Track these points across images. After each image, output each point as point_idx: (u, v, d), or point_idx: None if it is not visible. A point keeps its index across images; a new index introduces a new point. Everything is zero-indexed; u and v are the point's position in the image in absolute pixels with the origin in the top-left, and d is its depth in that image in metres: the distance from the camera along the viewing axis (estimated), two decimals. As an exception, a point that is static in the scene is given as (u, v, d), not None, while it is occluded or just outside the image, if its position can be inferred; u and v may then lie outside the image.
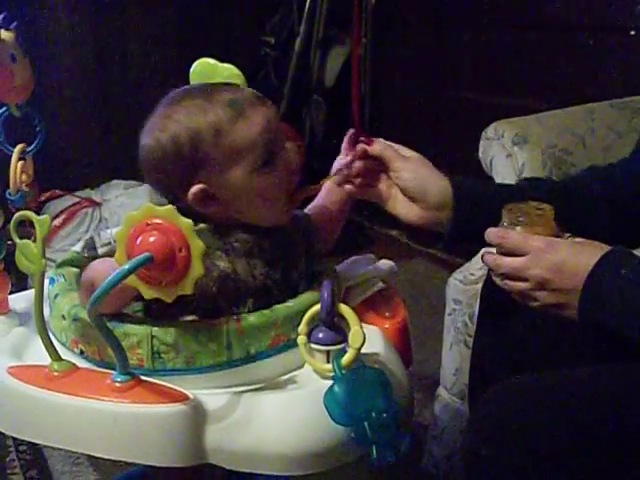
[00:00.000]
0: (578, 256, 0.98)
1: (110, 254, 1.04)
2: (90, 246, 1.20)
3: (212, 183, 1.02)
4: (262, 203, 1.04)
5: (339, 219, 1.23)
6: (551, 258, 0.98)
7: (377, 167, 1.19)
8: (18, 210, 1.02)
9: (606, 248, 0.99)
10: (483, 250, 1.11)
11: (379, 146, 1.18)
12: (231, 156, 1.02)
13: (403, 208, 1.20)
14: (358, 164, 1.18)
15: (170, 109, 1.04)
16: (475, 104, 2.77)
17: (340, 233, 1.24)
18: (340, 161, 1.19)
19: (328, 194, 1.21)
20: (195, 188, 1.02)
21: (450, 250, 1.23)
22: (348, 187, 1.18)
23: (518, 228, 1.03)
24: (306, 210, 1.20)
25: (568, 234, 1.05)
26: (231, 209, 1.04)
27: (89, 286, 0.98)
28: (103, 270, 0.95)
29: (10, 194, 1.20)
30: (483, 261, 1.06)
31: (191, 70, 1.23)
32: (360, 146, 1.18)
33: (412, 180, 1.18)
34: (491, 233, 1.04)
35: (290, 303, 1.04)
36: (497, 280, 1.05)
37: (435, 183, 1.19)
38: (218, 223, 1.05)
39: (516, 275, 1.01)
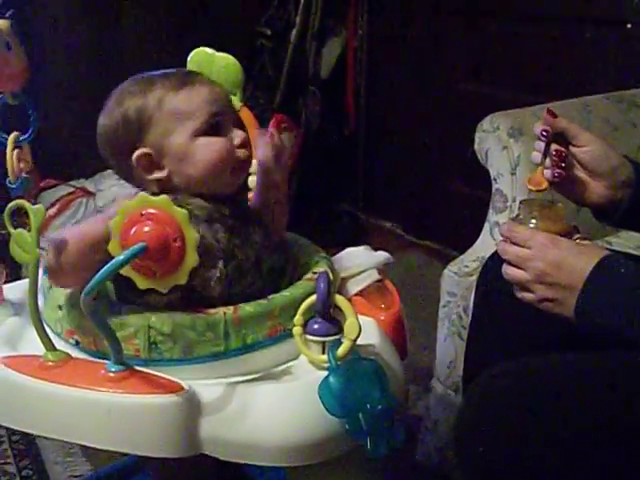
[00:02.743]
0: (579, 255, 1.01)
1: None
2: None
3: (156, 148, 1.06)
4: (203, 167, 1.06)
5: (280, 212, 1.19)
6: (553, 253, 1.01)
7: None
8: (19, 198, 1.02)
9: (608, 252, 1.01)
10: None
11: (564, 120, 1.16)
12: (172, 119, 1.06)
13: (583, 187, 1.18)
14: (556, 147, 1.15)
15: (125, 88, 1.10)
16: (471, 96, 2.77)
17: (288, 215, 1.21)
18: (536, 149, 1.17)
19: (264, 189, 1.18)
20: (139, 152, 1.05)
21: (621, 226, 1.21)
22: (558, 171, 1.15)
23: (532, 221, 1.08)
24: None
25: (578, 235, 1.08)
26: (177, 176, 1.06)
27: (57, 245, 0.98)
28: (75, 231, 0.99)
29: (10, 182, 1.20)
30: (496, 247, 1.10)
31: (188, 59, 1.23)
32: (546, 119, 1.15)
33: (601, 156, 1.16)
34: (504, 226, 1.08)
35: (286, 293, 1.04)
36: (503, 268, 1.08)
37: (619, 159, 1.17)
38: (171, 192, 1.04)
39: (518, 264, 1.04)
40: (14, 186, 1.19)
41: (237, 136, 1.08)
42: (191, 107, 1.06)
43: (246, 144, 1.09)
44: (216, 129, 1.07)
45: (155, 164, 1.06)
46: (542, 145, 1.16)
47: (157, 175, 1.06)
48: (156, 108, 1.06)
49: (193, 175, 1.06)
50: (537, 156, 1.17)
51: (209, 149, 1.06)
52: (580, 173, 1.18)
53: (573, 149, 1.17)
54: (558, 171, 1.14)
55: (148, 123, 1.06)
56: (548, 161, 1.16)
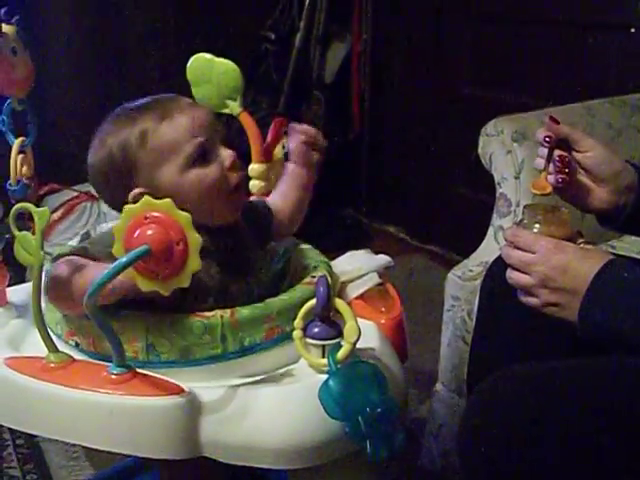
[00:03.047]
0: (583, 260, 1.01)
1: (82, 253, 1.04)
2: (85, 240, 1.21)
3: (149, 186, 1.05)
4: (198, 201, 1.05)
5: (299, 204, 1.22)
6: (557, 258, 1.01)
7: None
8: (19, 202, 1.03)
9: (612, 257, 1.01)
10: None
11: (566, 127, 1.17)
12: (158, 156, 1.05)
13: (587, 192, 1.18)
14: (559, 153, 1.16)
15: (106, 127, 1.09)
16: (475, 100, 2.77)
17: (304, 219, 1.24)
18: (539, 155, 1.18)
19: (290, 179, 1.21)
20: (133, 192, 1.04)
21: (625, 231, 1.22)
22: (562, 177, 1.15)
23: (536, 226, 1.08)
24: (269, 197, 1.23)
25: (582, 240, 1.08)
26: None
27: (54, 285, 0.99)
28: (69, 271, 0.98)
29: (10, 185, 1.21)
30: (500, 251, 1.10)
31: (188, 65, 1.24)
32: (549, 125, 1.16)
33: (604, 161, 1.16)
34: (508, 231, 1.08)
35: (284, 296, 1.04)
36: (507, 272, 1.08)
37: (622, 164, 1.17)
38: None
39: (522, 268, 1.04)
40: (15, 188, 1.20)
41: (226, 158, 1.07)
42: (174, 140, 1.05)
43: (236, 165, 1.08)
44: (204, 157, 1.06)
45: None
46: (545, 151, 1.16)
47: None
48: (139, 146, 1.05)
49: (189, 209, 1.04)
50: (540, 162, 1.17)
51: (200, 182, 1.05)
52: (583, 179, 1.18)
53: (576, 155, 1.17)
54: (562, 177, 1.14)
55: (134, 163, 1.05)
56: (551, 167, 1.16)
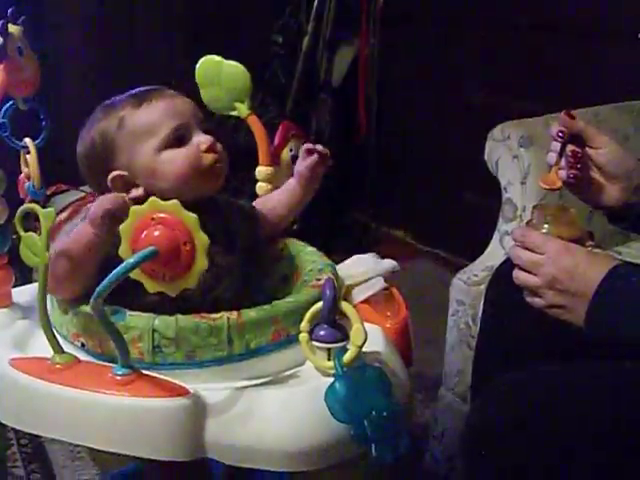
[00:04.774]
0: (591, 264, 1.01)
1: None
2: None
3: (127, 169, 1.08)
4: (172, 180, 1.07)
5: (288, 214, 1.25)
6: (566, 260, 1.01)
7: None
8: (32, 202, 1.03)
9: (619, 261, 1.01)
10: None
11: (581, 122, 1.16)
12: (134, 138, 1.08)
13: (598, 189, 1.18)
14: (572, 148, 1.15)
15: (92, 117, 1.13)
16: (482, 105, 2.77)
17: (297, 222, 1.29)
18: (551, 150, 1.18)
19: (288, 193, 1.24)
20: (111, 175, 1.08)
21: (635, 230, 1.21)
22: (573, 172, 1.15)
23: (545, 226, 1.07)
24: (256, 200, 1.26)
25: (591, 242, 1.08)
26: (152, 192, 1.05)
27: (58, 258, 1.01)
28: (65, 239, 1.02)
29: (34, 186, 1.22)
30: (508, 252, 1.10)
31: (197, 67, 1.24)
32: (563, 120, 1.16)
33: (617, 158, 1.16)
34: (516, 231, 1.08)
35: (291, 298, 1.05)
36: (514, 272, 1.07)
37: (635, 163, 1.17)
38: None
39: (530, 269, 1.04)
40: (37, 192, 1.21)
41: (203, 142, 1.09)
42: (150, 124, 1.08)
43: (214, 148, 1.10)
44: (180, 141, 1.08)
45: (130, 184, 1.08)
46: (557, 146, 1.16)
47: (135, 194, 1.07)
48: (117, 130, 1.08)
49: (165, 188, 1.07)
50: (552, 157, 1.17)
51: (173, 162, 1.07)
52: (595, 175, 1.18)
53: (589, 151, 1.17)
54: (573, 172, 1.14)
55: (112, 146, 1.09)
56: (563, 162, 1.15)
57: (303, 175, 1.20)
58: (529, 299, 1.06)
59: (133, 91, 1.13)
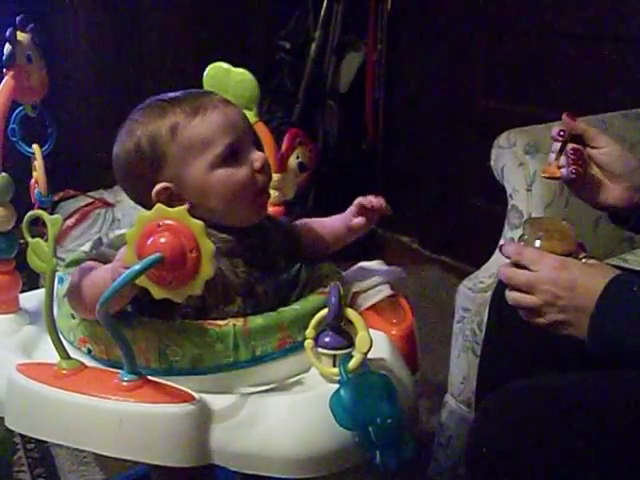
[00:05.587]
0: (590, 276, 0.99)
1: (97, 258, 1.05)
2: (98, 246, 1.21)
3: (175, 181, 1.04)
4: (224, 200, 1.04)
5: (330, 242, 1.22)
6: (564, 276, 0.99)
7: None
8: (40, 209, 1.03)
9: (617, 271, 1.00)
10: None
11: (582, 123, 1.16)
12: (188, 152, 1.03)
13: (600, 189, 1.17)
14: (572, 146, 1.15)
15: (135, 117, 1.07)
16: (488, 112, 2.77)
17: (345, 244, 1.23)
18: (552, 150, 1.17)
19: (335, 220, 1.22)
20: (158, 186, 1.03)
21: (637, 231, 1.21)
22: (574, 168, 1.14)
23: (537, 242, 1.04)
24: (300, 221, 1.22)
25: (584, 254, 1.06)
26: (199, 208, 1.02)
27: (70, 291, 1.01)
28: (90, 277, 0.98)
29: (41, 194, 1.21)
30: (499, 273, 1.06)
31: (204, 74, 1.24)
32: (565, 121, 1.15)
33: (619, 157, 1.15)
34: (509, 248, 1.04)
35: (296, 305, 1.05)
36: (507, 294, 1.04)
37: (637, 162, 1.16)
38: None
39: (527, 289, 1.01)
40: (44, 199, 1.21)
41: (256, 160, 1.05)
42: (206, 137, 1.03)
43: (266, 167, 1.07)
44: (234, 157, 1.04)
45: (176, 196, 1.03)
46: (558, 145, 1.16)
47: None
48: (169, 140, 1.03)
49: (215, 207, 1.04)
50: (553, 157, 1.17)
51: (228, 182, 1.04)
52: (597, 175, 1.17)
53: (591, 151, 1.16)
54: (574, 167, 1.13)
55: (163, 156, 1.03)
56: (564, 160, 1.15)
57: (354, 229, 1.19)
58: (529, 319, 1.04)
59: (179, 95, 1.07)
